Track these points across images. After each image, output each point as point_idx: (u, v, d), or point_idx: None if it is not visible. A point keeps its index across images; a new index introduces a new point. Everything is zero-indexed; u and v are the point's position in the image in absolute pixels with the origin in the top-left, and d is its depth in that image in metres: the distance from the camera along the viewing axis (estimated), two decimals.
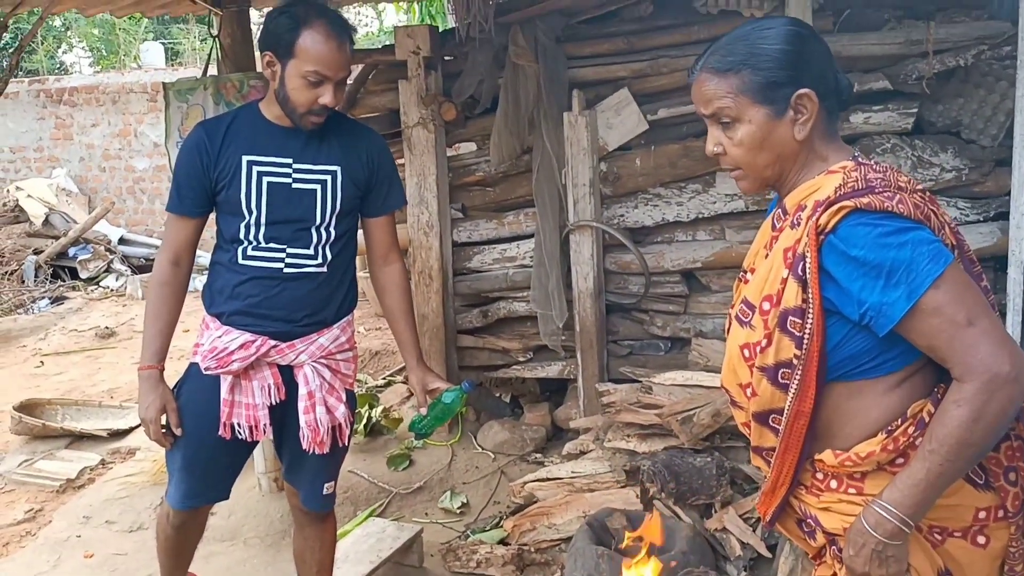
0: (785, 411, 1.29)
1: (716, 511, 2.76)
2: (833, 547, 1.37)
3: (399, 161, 3.81)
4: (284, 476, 2.30)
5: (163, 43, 12.32)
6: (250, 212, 2.00)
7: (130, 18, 7.60)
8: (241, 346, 2.01)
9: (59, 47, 13.71)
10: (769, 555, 2.64)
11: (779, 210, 1.36)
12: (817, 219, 1.22)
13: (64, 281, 7.80)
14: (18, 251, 7.87)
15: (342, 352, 2.14)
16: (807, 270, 1.23)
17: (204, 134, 2.03)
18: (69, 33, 13.82)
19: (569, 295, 3.50)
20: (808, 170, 1.32)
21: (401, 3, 7.12)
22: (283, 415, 2.11)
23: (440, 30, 3.74)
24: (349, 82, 2.08)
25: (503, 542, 2.94)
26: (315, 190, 2.03)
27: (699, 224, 3.39)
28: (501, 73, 3.50)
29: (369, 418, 3.84)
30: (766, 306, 1.29)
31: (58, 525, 3.35)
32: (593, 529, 2.61)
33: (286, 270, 2.03)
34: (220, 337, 2.03)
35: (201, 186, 2.03)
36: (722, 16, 3.14)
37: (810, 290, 1.23)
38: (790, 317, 1.26)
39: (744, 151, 1.31)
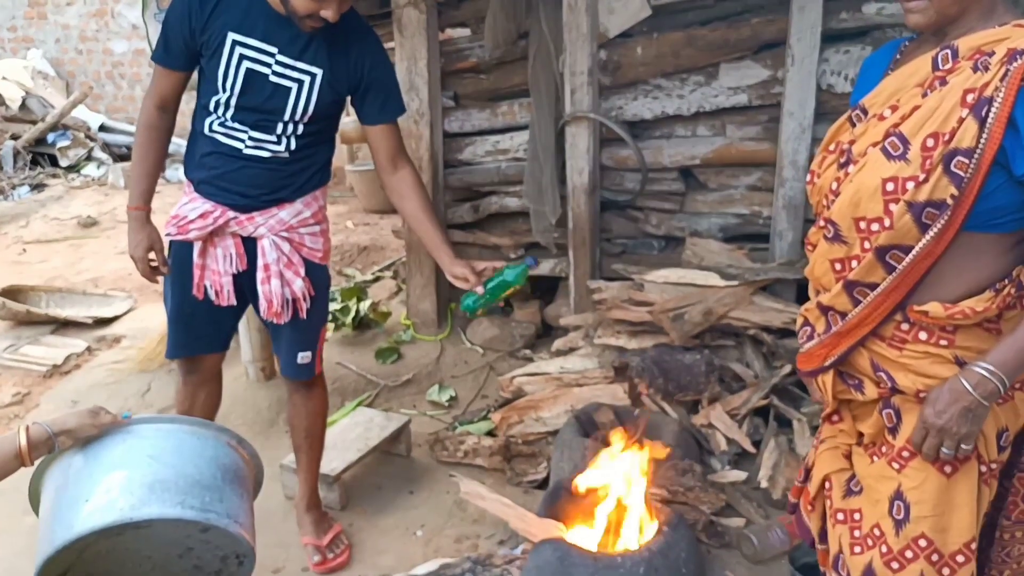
0: (915, 249, 1.32)
1: (703, 407, 2.78)
2: (887, 409, 1.43)
3: (388, 44, 3.63)
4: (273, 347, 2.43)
5: None
6: (223, 90, 2.00)
7: None
8: (200, 215, 2.09)
9: None
10: (754, 450, 2.67)
11: (945, 51, 1.33)
12: None
13: (44, 168, 7.60)
14: None
15: (306, 226, 2.16)
16: (992, 114, 1.25)
17: None
18: None
19: (563, 191, 3.41)
20: (987, 19, 1.32)
21: None
22: (253, 287, 2.17)
23: None
24: None
25: (491, 434, 2.96)
26: (291, 88, 2.00)
27: (700, 119, 3.27)
28: None
29: (357, 312, 3.81)
30: (930, 143, 1.29)
31: (45, 408, 3.36)
32: (580, 422, 2.63)
33: (246, 151, 2.06)
34: (184, 205, 2.13)
35: (186, 45, 2.01)
36: None
37: (987, 133, 1.25)
38: (958, 157, 1.27)
39: None
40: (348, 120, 3.95)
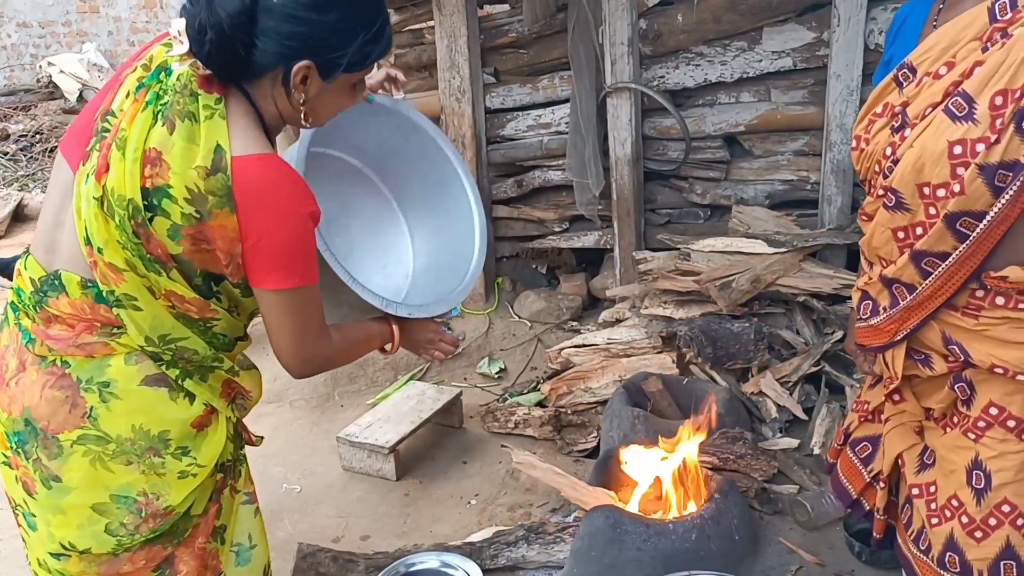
0: (990, 215, 1.25)
1: (753, 375, 2.78)
2: (959, 383, 1.38)
3: (428, 23, 3.65)
4: None
5: None
6: None
7: None
8: None
9: None
10: (805, 417, 2.67)
11: (1003, 1, 1.25)
12: None
13: None
14: (55, 128, 7.88)
15: None
16: None
17: None
18: None
19: (606, 162, 3.41)
20: None
21: None
22: None
23: None
24: None
25: (540, 405, 3.01)
26: None
27: (743, 85, 3.22)
28: None
29: None
30: (999, 101, 1.20)
31: None
32: (629, 392, 2.66)
33: None
34: None
35: None
36: None
37: None
38: None
39: None
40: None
